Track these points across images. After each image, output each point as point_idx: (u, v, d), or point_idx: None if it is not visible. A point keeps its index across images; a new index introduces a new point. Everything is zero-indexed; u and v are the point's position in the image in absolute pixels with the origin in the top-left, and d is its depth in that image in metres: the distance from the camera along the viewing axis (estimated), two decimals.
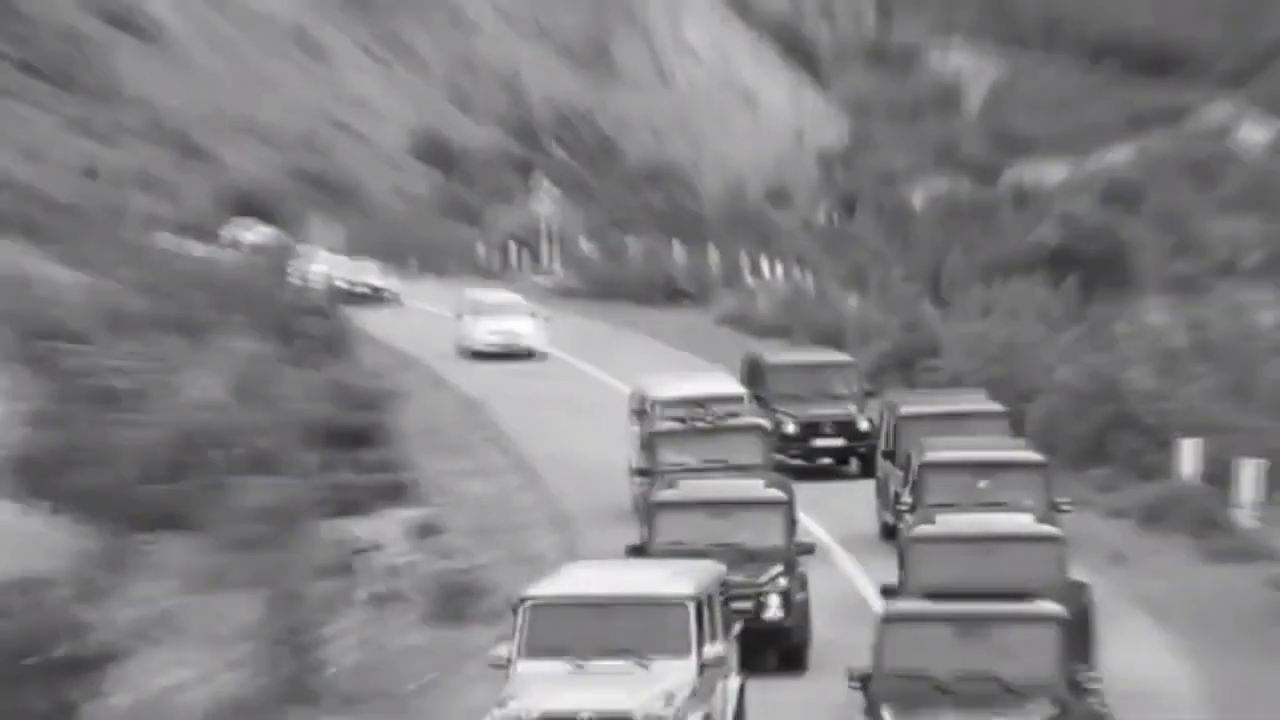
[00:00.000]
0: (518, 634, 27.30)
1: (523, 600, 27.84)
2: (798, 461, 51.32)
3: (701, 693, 27.07)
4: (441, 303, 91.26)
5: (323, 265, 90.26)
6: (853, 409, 55.53)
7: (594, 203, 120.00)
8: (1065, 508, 41.30)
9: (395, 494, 50.39)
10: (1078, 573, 35.29)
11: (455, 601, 39.35)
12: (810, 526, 44.19)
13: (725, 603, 30.09)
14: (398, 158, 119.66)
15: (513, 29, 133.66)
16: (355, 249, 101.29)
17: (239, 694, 32.27)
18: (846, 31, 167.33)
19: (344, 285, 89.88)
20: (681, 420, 48.75)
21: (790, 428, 53.38)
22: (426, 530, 46.97)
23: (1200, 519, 47.53)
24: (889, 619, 25.88)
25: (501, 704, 25.58)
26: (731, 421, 48.81)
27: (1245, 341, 60.91)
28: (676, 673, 26.78)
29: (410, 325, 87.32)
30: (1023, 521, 34.83)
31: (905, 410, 46.40)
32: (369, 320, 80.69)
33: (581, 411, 68.63)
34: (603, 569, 32.25)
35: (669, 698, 25.93)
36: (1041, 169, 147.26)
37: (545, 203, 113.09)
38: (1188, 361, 58.44)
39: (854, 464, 53.03)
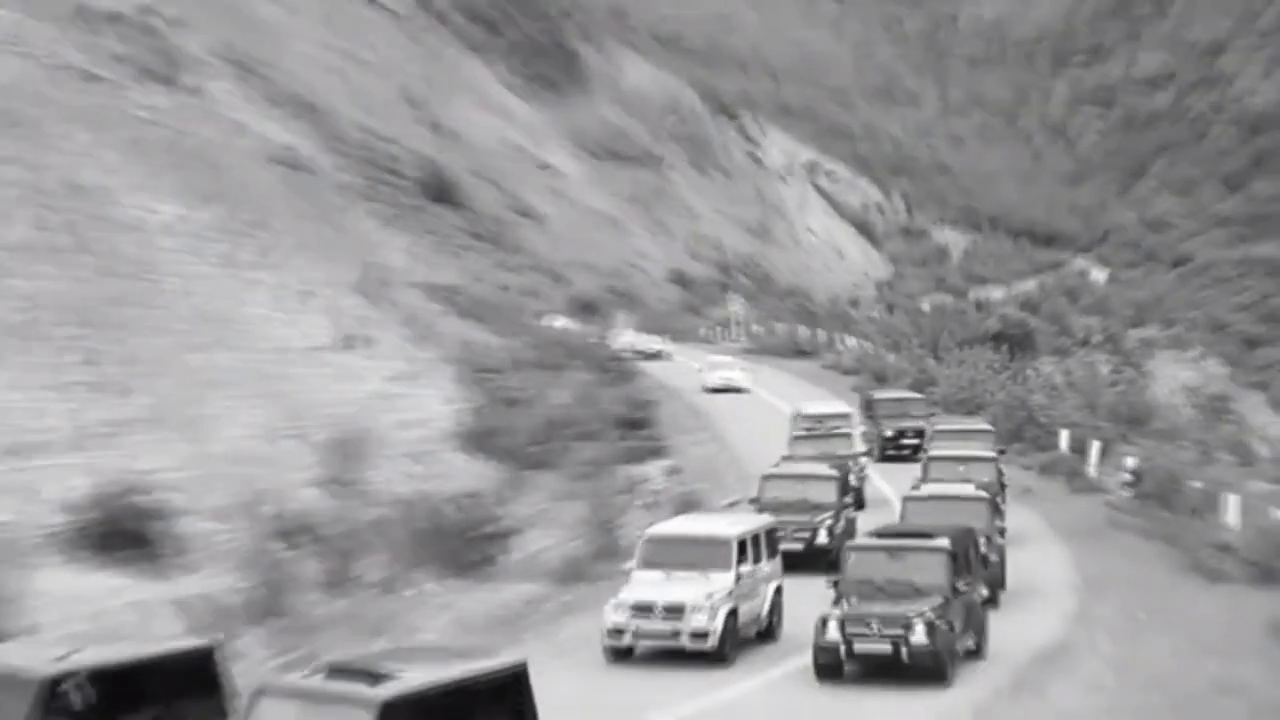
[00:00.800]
0: (636, 555, 37.82)
1: (640, 536, 39.37)
2: (891, 450, 72.46)
3: (737, 593, 35.98)
4: (687, 359, 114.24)
5: (627, 337, 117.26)
6: (921, 423, 73.91)
7: (759, 306, 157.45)
8: (1003, 466, 60.50)
9: (656, 453, 71.97)
10: (1011, 503, 57.11)
11: (688, 508, 52.30)
12: (883, 488, 62.62)
13: (772, 539, 39.61)
14: (661, 282, 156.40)
15: (719, 216, 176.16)
16: (643, 328, 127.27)
17: (576, 554, 48.75)
18: (890, 220, 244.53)
19: (639, 349, 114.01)
20: (809, 428, 66.17)
21: (889, 432, 74.01)
22: (672, 471, 66.86)
23: (1070, 472, 72.19)
24: (849, 548, 37.18)
25: (615, 595, 36.26)
26: (834, 428, 65.84)
27: (1092, 381, 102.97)
28: (720, 581, 35.64)
29: (670, 372, 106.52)
30: (969, 489, 48.10)
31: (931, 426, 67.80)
32: (651, 368, 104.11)
33: (754, 414, 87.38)
34: (691, 519, 43.26)
35: (709, 596, 35.07)
36: (990, 291, 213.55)
37: (736, 305, 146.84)
38: (1063, 391, 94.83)
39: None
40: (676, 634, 34.11)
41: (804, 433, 66.63)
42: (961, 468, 55.30)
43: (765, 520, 39.84)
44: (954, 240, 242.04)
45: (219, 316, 65.78)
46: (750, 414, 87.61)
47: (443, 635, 40.07)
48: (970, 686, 35.81)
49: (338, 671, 20.48)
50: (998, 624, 41.30)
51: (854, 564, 34.96)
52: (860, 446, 66.26)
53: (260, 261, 74.47)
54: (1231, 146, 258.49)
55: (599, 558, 48.53)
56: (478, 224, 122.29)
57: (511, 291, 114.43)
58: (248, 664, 32.27)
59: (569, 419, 71.88)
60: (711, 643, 34.01)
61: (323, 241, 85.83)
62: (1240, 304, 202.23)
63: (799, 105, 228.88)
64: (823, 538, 48.60)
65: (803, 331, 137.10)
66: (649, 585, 35.27)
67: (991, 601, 41.74)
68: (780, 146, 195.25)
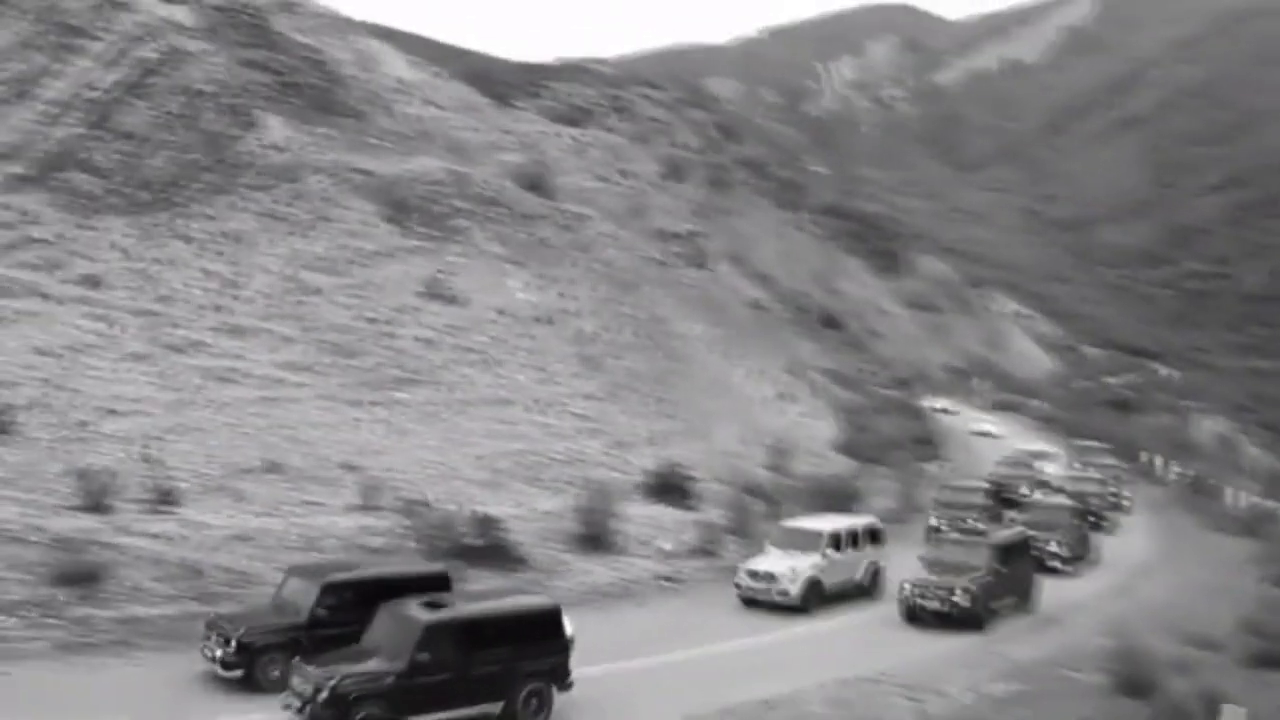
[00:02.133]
0: (766, 537, 36.62)
1: (774, 524, 38.28)
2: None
3: (822, 567, 33.75)
4: (964, 415, 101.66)
5: (929, 400, 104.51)
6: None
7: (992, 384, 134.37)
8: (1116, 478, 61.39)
9: (940, 457, 73.69)
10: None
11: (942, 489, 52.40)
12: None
13: (873, 533, 36.75)
14: (939, 370, 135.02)
15: (975, 339, 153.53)
16: (938, 394, 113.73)
17: (895, 507, 51.28)
18: (1056, 341, 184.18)
19: (939, 408, 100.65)
20: (1015, 463, 65.40)
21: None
22: (945, 466, 70.42)
23: (1147, 474, 69.05)
24: (932, 539, 38.11)
25: (744, 560, 35.07)
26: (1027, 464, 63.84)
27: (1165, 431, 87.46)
28: (810, 560, 33.76)
29: (954, 420, 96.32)
30: (1059, 500, 47.86)
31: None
32: (945, 418, 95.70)
33: (990, 443, 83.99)
34: (810, 517, 38.74)
35: (793, 569, 33.17)
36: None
37: (978, 383, 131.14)
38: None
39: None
40: (769, 591, 33.18)
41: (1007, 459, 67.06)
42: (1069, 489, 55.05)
43: (866, 520, 38.21)
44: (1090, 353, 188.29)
45: (720, 382, 68.03)
46: (988, 443, 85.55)
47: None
48: (1094, 582, 40.40)
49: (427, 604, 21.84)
50: (1111, 546, 47.05)
51: (936, 549, 35.96)
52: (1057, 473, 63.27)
53: (740, 355, 75.71)
54: None
55: (906, 510, 53.12)
56: (848, 337, 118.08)
57: (864, 373, 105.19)
58: (730, 557, 38.81)
59: (892, 439, 73.01)
60: (792, 599, 33.01)
61: (771, 345, 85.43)
62: None
63: (1012, 281, 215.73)
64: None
65: (1012, 398, 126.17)
66: (765, 558, 34.47)
67: (1078, 559, 43.44)
68: (1003, 304, 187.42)
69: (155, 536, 31.76)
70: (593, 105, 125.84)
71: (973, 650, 30.58)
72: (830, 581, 34.32)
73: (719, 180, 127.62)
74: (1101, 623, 33.47)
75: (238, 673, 22.60)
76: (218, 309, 50.23)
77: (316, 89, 68.83)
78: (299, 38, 69.78)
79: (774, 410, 70.03)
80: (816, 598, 33.56)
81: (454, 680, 20.96)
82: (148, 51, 60.72)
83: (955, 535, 36.59)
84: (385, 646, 20.90)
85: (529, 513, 40.21)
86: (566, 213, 71.64)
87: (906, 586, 32.96)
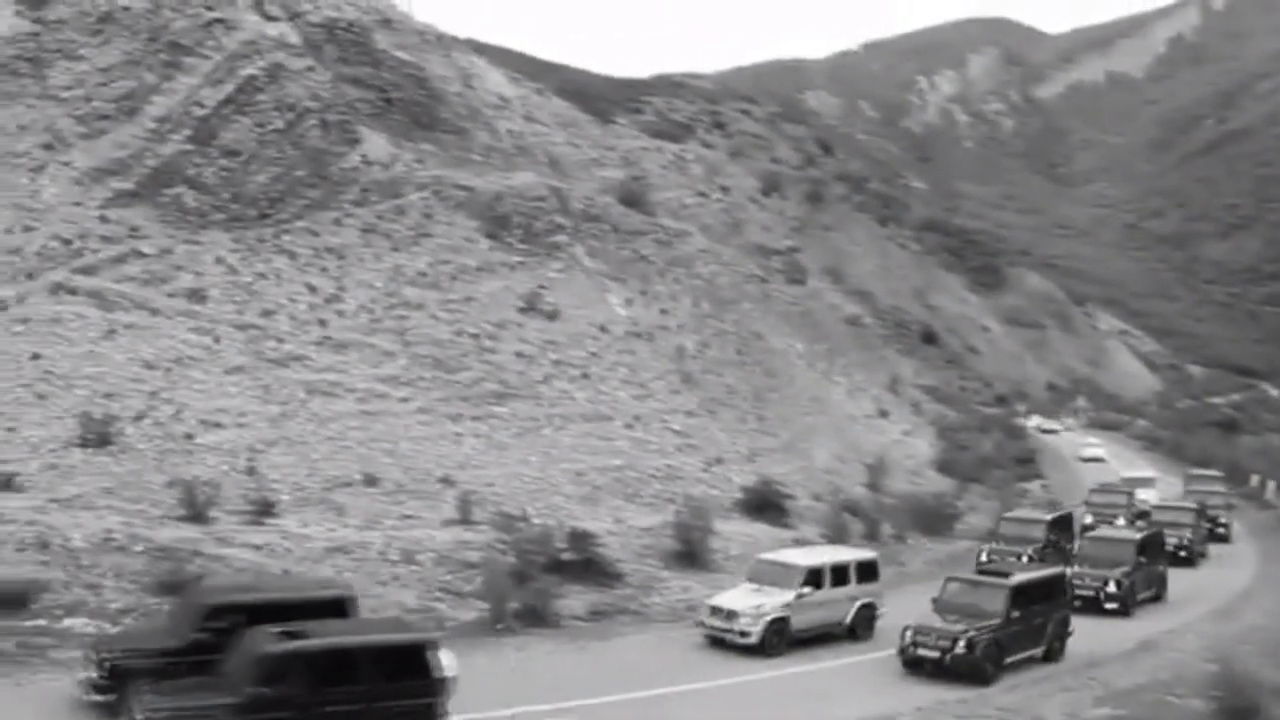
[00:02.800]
0: (746, 571, 33.61)
1: (753, 559, 34.60)
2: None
3: (796, 608, 30.56)
4: (1069, 435, 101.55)
5: (1034, 420, 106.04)
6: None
7: (1093, 403, 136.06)
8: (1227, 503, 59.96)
9: (1036, 477, 74.17)
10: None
11: (1050, 508, 50.68)
12: None
13: (866, 568, 33.01)
14: (1041, 389, 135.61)
15: (1073, 355, 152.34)
16: (1042, 414, 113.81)
17: (991, 526, 49.07)
18: (1162, 358, 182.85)
19: (1044, 428, 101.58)
20: (1111, 485, 62.96)
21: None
22: (1044, 487, 69.87)
23: (1257, 498, 67.92)
24: (947, 579, 31.81)
25: (709, 597, 31.91)
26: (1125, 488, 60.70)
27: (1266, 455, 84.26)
28: (780, 597, 30.57)
29: (1058, 441, 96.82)
30: (1125, 533, 43.00)
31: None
32: (1049, 439, 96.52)
33: (1091, 466, 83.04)
34: (794, 550, 35.74)
35: (758, 606, 30.14)
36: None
37: (1080, 401, 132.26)
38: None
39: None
40: (729, 631, 30.08)
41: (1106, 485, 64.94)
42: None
43: (858, 554, 34.44)
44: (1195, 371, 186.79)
45: (819, 399, 68.94)
46: (1088, 465, 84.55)
47: (921, 569, 43.41)
48: (1189, 612, 38.23)
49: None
50: (1201, 578, 44.90)
51: (946, 590, 31.20)
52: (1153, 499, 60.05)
53: (838, 372, 77.25)
54: None
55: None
56: (947, 354, 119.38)
57: (963, 390, 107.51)
58: None
59: (990, 457, 74.14)
60: (752, 640, 29.76)
61: (869, 362, 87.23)
62: None
63: (1114, 298, 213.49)
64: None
65: (1114, 416, 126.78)
66: (731, 593, 31.62)
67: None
68: (1106, 321, 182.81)
69: (257, 548, 32.23)
70: (691, 121, 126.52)
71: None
72: (805, 621, 30.92)
73: (817, 196, 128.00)
74: (1201, 650, 31.81)
75: (110, 696, 20.93)
76: (320, 323, 51.01)
77: (418, 105, 69.55)
78: (400, 54, 70.31)
79: (872, 427, 71.15)
80: (780, 640, 30.14)
81: (299, 719, 18.90)
82: (252, 69, 61.85)
83: (965, 576, 32.83)
84: (232, 678, 19.25)
85: (625, 529, 40.38)
86: (665, 229, 71.96)
87: (908, 632, 29.29)
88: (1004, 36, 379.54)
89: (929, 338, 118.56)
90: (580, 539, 35.30)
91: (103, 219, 52.93)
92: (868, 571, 33.09)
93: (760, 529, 44.67)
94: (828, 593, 31.47)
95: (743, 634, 29.84)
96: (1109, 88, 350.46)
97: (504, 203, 62.26)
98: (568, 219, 63.47)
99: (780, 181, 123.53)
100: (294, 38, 65.45)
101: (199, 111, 59.76)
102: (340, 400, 46.23)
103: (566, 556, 34.35)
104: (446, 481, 41.52)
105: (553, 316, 56.70)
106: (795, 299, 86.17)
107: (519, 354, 53.22)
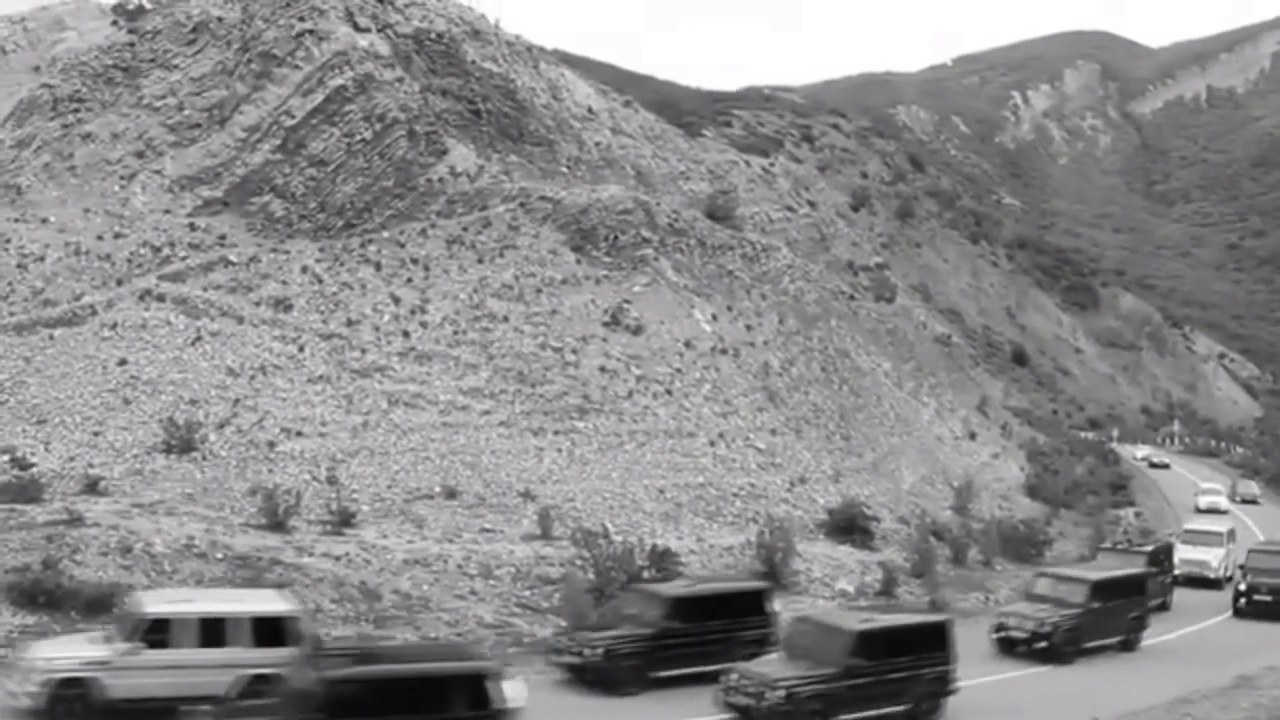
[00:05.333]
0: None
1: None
2: None
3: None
4: (1184, 472, 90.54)
5: (1144, 450, 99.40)
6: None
7: (1188, 428, 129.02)
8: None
9: (1129, 504, 70.94)
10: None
11: (1145, 536, 51.95)
12: None
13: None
14: (1135, 413, 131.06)
15: (1169, 379, 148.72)
16: (1142, 440, 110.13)
17: (1083, 553, 49.83)
18: (1262, 384, 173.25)
19: (1154, 461, 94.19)
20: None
21: None
22: (1139, 514, 67.21)
23: None
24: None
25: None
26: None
27: None
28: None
29: (1169, 479, 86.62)
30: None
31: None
32: (1157, 474, 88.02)
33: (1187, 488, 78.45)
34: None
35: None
36: None
37: (1175, 426, 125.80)
38: None
39: None
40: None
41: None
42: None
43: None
44: None
45: (906, 420, 67.59)
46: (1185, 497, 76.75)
47: (1009, 597, 41.07)
48: None
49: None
50: None
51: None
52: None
53: (926, 392, 76.02)
54: None
55: (1093, 558, 47.51)
56: (1038, 376, 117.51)
57: (1055, 413, 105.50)
58: (913, 598, 38.66)
59: (1083, 482, 73.04)
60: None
61: (959, 383, 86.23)
62: None
63: (1213, 321, 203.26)
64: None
65: (1211, 443, 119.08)
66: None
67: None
68: (1204, 344, 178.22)
69: (337, 559, 32.52)
70: (780, 134, 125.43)
71: None
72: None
73: (907, 212, 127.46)
74: None
75: None
76: (403, 334, 51.47)
77: (505, 116, 70.24)
78: (489, 65, 70.94)
79: (960, 449, 69.96)
80: None
81: None
82: (341, 80, 62.65)
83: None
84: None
85: (706, 548, 40.09)
86: (753, 244, 71.14)
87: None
88: (1101, 51, 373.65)
89: (1020, 358, 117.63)
90: (661, 557, 35.19)
91: (191, 227, 54.57)
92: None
93: (844, 551, 44.26)
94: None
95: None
96: (1210, 103, 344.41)
97: (590, 215, 62.20)
98: (654, 233, 63.39)
99: (869, 197, 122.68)
100: (384, 49, 65.91)
101: (288, 121, 60.65)
102: (422, 412, 46.52)
103: (647, 574, 34.09)
104: (527, 496, 41.69)
105: (637, 331, 56.47)
106: (883, 317, 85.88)
107: (602, 368, 52.96)
